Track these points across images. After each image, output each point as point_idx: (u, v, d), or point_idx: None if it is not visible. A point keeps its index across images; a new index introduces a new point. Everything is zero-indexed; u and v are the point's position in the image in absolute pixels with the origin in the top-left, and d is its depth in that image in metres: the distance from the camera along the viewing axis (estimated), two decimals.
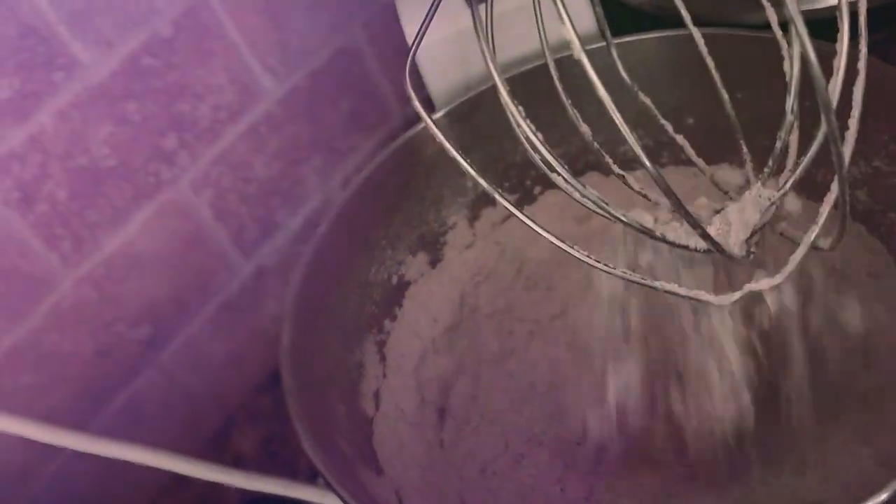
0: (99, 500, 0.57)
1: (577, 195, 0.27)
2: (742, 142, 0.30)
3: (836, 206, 0.24)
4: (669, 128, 0.33)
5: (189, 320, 0.59)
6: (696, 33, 0.30)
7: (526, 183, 0.46)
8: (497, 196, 0.27)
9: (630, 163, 0.42)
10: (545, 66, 0.32)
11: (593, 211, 0.27)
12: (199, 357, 0.60)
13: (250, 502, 0.57)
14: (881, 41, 0.50)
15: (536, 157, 0.29)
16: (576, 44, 0.22)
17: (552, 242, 0.26)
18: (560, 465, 0.39)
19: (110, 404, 0.56)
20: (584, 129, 0.31)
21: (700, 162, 0.32)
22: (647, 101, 0.33)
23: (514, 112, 0.26)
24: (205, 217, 0.58)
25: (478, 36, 0.29)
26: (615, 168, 0.31)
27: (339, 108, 0.64)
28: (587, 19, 0.48)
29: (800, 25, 0.19)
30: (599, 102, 0.36)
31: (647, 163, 0.22)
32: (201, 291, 0.59)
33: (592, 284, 0.46)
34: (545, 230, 0.26)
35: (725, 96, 0.30)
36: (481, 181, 0.28)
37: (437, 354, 0.42)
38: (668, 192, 0.23)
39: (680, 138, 0.33)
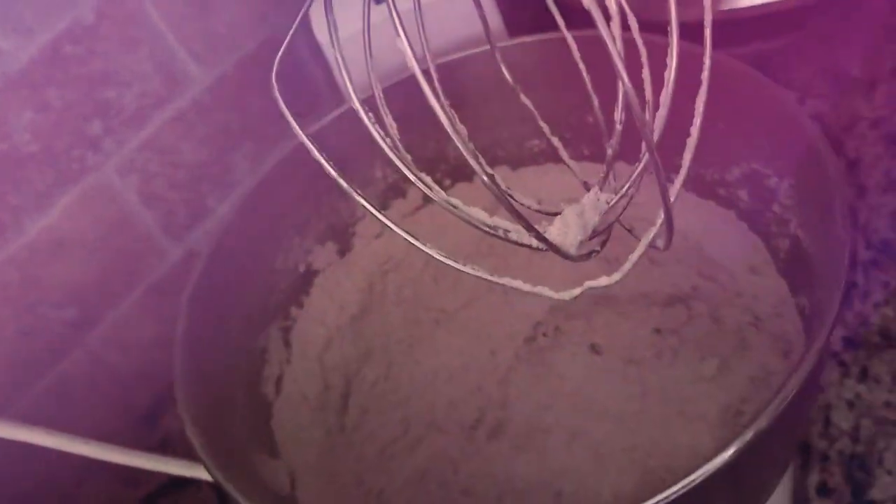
0: (19, 477, 0.58)
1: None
2: (608, 144, 0.31)
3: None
4: (546, 130, 0.35)
5: (116, 303, 0.60)
6: (568, 36, 0.32)
7: (436, 175, 0.47)
8: (368, 206, 0.28)
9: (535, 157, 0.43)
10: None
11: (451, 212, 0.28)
12: (127, 339, 0.61)
13: (177, 480, 0.58)
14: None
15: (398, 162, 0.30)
16: (409, 58, 0.23)
17: (409, 241, 0.27)
18: (455, 449, 0.41)
19: (37, 384, 0.57)
20: (461, 128, 0.32)
21: (572, 163, 0.34)
22: (528, 102, 0.35)
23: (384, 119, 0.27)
24: (131, 202, 0.58)
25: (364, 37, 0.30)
26: (484, 169, 0.32)
27: (270, 95, 0.65)
28: (496, 20, 0.49)
29: (612, 48, 0.20)
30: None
31: (481, 171, 0.24)
32: (129, 275, 0.60)
33: None
34: (407, 233, 0.27)
35: (594, 99, 0.31)
36: (353, 193, 0.29)
37: (343, 341, 0.44)
38: (501, 198, 0.24)
39: (555, 140, 0.35)
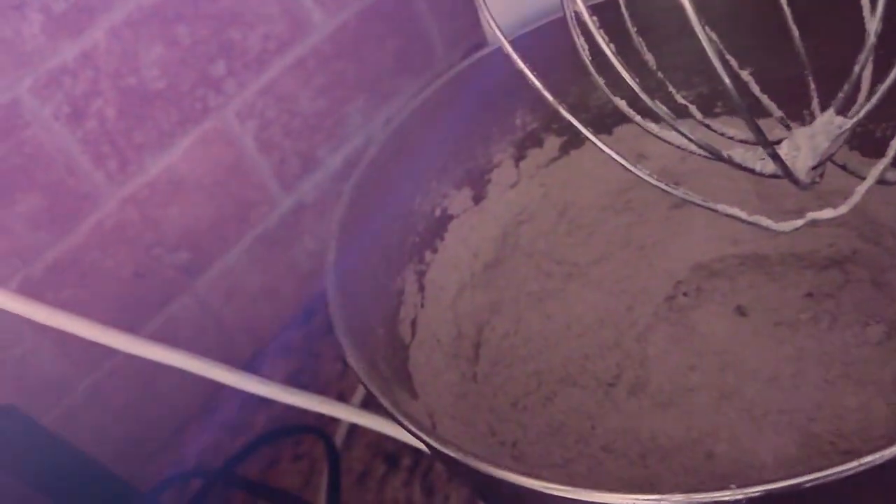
0: (131, 418, 0.58)
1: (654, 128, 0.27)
2: (809, 76, 0.29)
3: None
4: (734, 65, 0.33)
5: (226, 250, 0.60)
6: None
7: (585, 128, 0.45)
8: (572, 119, 0.26)
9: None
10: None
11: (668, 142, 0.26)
12: (234, 287, 0.61)
13: (276, 431, 0.58)
14: None
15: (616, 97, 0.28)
16: None
17: (623, 165, 0.26)
18: (592, 404, 0.39)
19: (145, 326, 0.57)
20: (649, 57, 0.30)
21: (766, 100, 0.32)
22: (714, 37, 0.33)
23: (603, 43, 0.25)
24: (248, 147, 0.58)
25: None
26: (679, 98, 0.30)
27: (386, 48, 0.64)
28: None
29: None
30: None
31: (727, 79, 0.22)
32: (241, 222, 0.60)
33: (633, 233, 0.45)
34: (615, 153, 0.25)
35: (796, 32, 0.29)
36: (553, 102, 0.27)
37: (475, 289, 0.42)
38: (740, 104, 0.22)
39: (745, 74, 0.33)
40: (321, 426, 0.57)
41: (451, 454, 0.27)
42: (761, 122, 0.34)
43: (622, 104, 0.28)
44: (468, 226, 0.43)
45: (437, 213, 0.43)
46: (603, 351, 0.41)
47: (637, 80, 0.25)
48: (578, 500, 0.24)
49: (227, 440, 0.60)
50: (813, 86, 0.29)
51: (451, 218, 0.43)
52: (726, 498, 0.22)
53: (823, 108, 0.27)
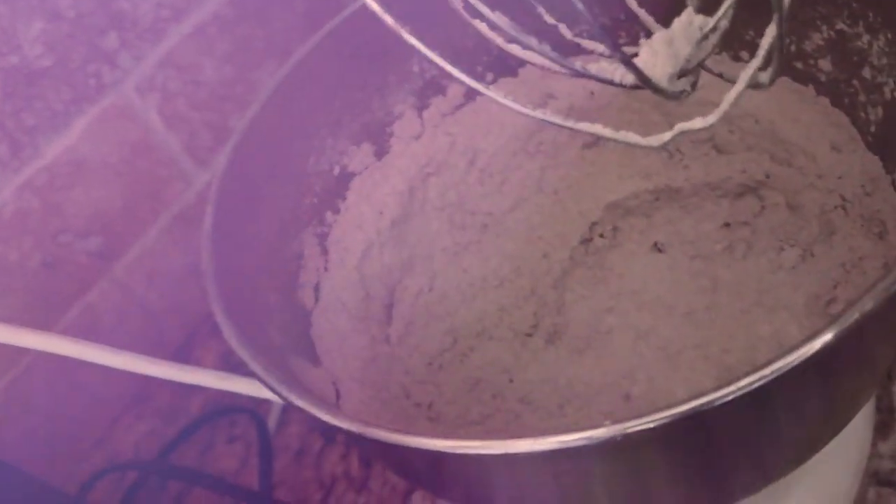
0: (59, 416, 0.56)
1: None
2: None
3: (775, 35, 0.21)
4: None
5: (142, 231, 0.57)
6: None
7: (477, 69, 0.43)
8: (454, 71, 0.24)
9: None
10: None
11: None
12: (156, 270, 0.59)
13: (208, 414, 0.56)
14: None
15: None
16: None
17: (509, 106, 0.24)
18: (509, 357, 0.38)
19: (62, 318, 0.55)
20: None
21: (644, 14, 0.30)
22: None
23: None
24: (153, 122, 0.55)
25: None
26: (549, 19, 0.28)
27: (294, 8, 0.61)
28: None
29: None
30: None
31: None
32: (154, 201, 0.57)
33: (546, 176, 0.44)
34: (506, 99, 0.24)
35: None
36: (431, 54, 0.25)
37: (384, 248, 0.40)
38: (585, 13, 0.20)
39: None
40: (254, 406, 0.55)
41: (329, 419, 0.25)
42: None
43: (482, 26, 0.26)
44: (371, 182, 0.41)
45: (336, 171, 0.40)
46: (519, 301, 0.40)
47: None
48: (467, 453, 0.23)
49: (162, 427, 0.58)
50: None
51: (351, 175, 0.41)
52: (601, 435, 0.21)
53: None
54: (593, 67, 0.23)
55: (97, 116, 0.52)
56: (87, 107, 0.52)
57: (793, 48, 0.37)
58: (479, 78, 0.44)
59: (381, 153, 0.42)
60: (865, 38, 0.33)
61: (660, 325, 0.36)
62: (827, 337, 0.21)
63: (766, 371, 0.21)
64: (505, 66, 0.44)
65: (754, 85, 0.23)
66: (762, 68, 0.22)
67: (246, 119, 0.36)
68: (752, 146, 0.39)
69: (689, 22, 0.23)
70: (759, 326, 0.33)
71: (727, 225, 0.39)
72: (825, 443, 0.27)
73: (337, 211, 0.40)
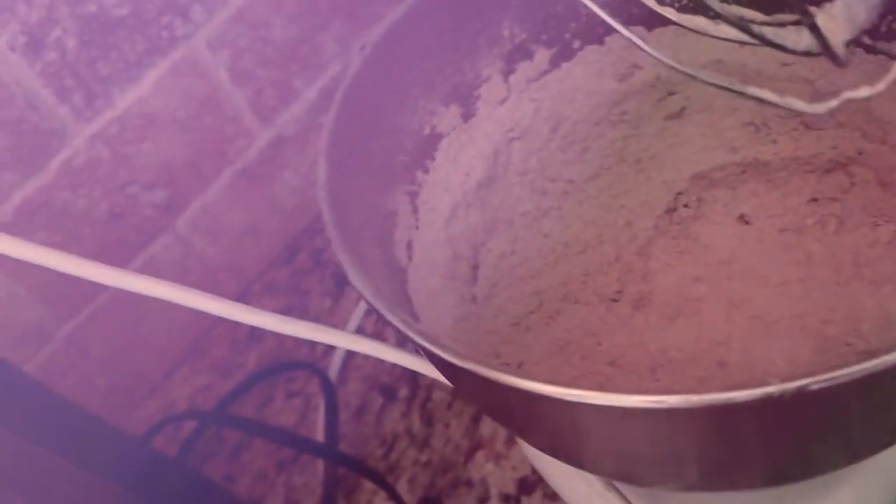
0: (116, 365, 0.56)
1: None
2: None
3: None
4: None
5: (205, 187, 0.57)
6: None
7: (565, 36, 0.44)
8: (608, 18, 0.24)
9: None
10: None
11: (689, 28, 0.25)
12: (215, 225, 0.59)
13: (268, 368, 0.57)
14: None
15: None
16: None
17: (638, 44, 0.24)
18: (596, 321, 0.38)
19: (127, 267, 0.55)
20: None
21: None
22: None
23: None
24: (222, 78, 0.55)
25: None
26: None
27: None
28: None
29: None
30: None
31: None
32: (218, 157, 0.57)
33: (629, 146, 0.44)
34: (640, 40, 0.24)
35: None
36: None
37: (469, 210, 0.41)
38: None
39: None
40: (313, 362, 0.56)
41: (473, 369, 0.25)
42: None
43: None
44: (458, 144, 0.41)
45: (426, 131, 0.41)
46: (604, 267, 0.40)
47: None
48: (608, 405, 0.23)
49: (218, 382, 0.58)
50: None
51: (440, 137, 0.41)
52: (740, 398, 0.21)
53: None
54: (769, 32, 0.23)
55: (168, 70, 0.52)
56: (159, 59, 0.52)
57: (888, 24, 0.37)
58: (567, 44, 0.45)
59: (468, 116, 0.42)
60: None
61: (753, 295, 0.36)
62: None
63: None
64: (592, 34, 0.44)
65: None
66: None
67: (348, 75, 0.37)
68: (843, 123, 0.39)
69: None
70: (861, 299, 0.33)
71: (815, 200, 0.39)
72: None
73: (426, 171, 0.40)
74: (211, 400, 0.57)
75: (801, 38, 0.22)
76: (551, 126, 0.43)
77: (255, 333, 0.58)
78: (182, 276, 0.58)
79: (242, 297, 0.62)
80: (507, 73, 0.43)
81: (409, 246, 0.38)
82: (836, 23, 0.23)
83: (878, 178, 0.38)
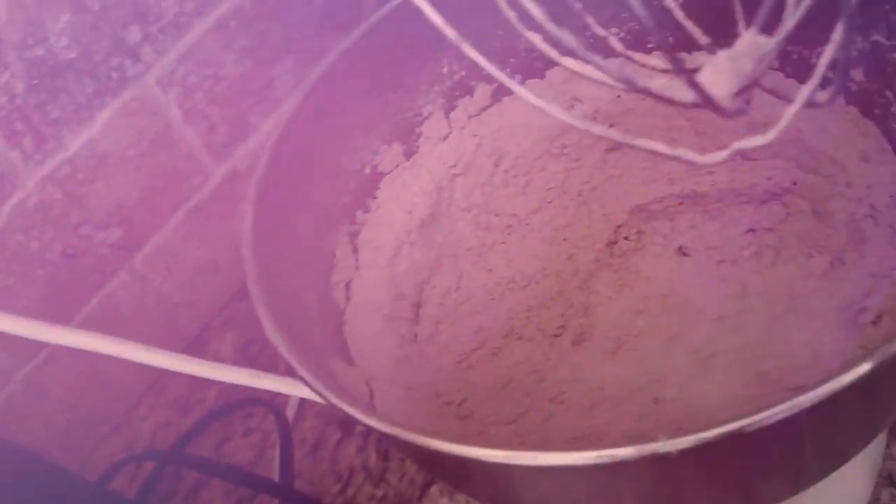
0: (76, 404, 0.56)
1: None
2: None
3: (837, 52, 0.22)
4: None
5: (161, 224, 0.57)
6: None
7: (505, 71, 0.44)
8: (494, 71, 0.25)
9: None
10: None
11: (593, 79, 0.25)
12: (173, 262, 0.59)
13: (225, 407, 0.56)
14: None
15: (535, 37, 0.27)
16: None
17: (545, 109, 0.24)
18: (539, 357, 0.38)
19: (82, 309, 0.55)
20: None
21: (691, 26, 0.30)
22: None
23: None
24: (173, 116, 0.55)
25: None
26: (599, 31, 0.29)
27: (312, 4, 0.61)
28: None
29: None
30: None
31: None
32: (172, 194, 0.57)
33: (570, 179, 0.44)
34: (541, 100, 0.24)
35: None
36: (477, 56, 0.26)
37: (413, 247, 0.41)
38: (654, 29, 0.21)
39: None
40: (271, 398, 0.56)
41: (381, 427, 0.26)
42: (692, 56, 0.33)
43: (535, 38, 0.26)
44: (400, 182, 0.41)
45: (367, 170, 0.41)
46: (546, 301, 0.40)
47: (545, 12, 0.23)
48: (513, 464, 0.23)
49: (178, 418, 0.58)
50: (739, 7, 0.28)
51: (381, 175, 0.41)
52: (659, 450, 0.21)
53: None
54: (654, 84, 0.23)
55: (119, 110, 0.52)
56: (109, 100, 0.52)
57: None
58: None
59: (410, 153, 0.43)
60: None
61: (690, 329, 0.36)
62: (867, 367, 0.21)
63: (820, 391, 0.21)
64: (532, 69, 0.44)
65: (811, 103, 0.23)
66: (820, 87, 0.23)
67: (282, 118, 0.37)
68: (778, 153, 0.39)
69: (753, 41, 0.23)
70: (793, 333, 0.33)
71: (752, 230, 0.39)
72: (858, 451, 0.28)
73: (368, 210, 0.41)
74: (172, 437, 0.57)
75: (687, 91, 0.22)
76: (493, 161, 0.44)
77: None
78: (140, 313, 0.58)
79: (203, 333, 0.62)
80: (448, 110, 0.44)
81: (348, 287, 0.38)
82: (722, 75, 0.23)
83: (813, 209, 0.38)
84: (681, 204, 0.41)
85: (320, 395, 0.28)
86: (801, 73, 0.38)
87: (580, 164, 0.44)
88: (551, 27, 0.22)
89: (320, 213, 0.38)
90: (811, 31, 0.24)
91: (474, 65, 0.44)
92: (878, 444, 0.38)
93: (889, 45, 0.34)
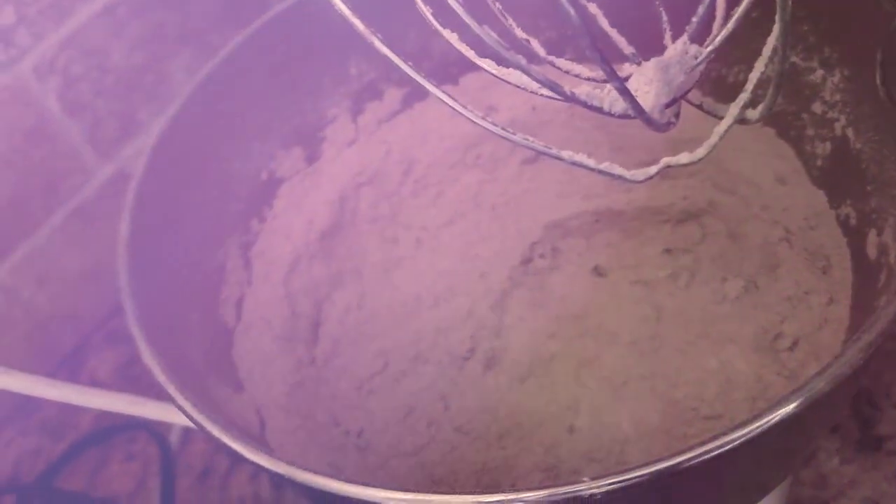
0: None
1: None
2: (661, 6, 0.26)
3: (769, 65, 0.20)
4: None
5: (34, 229, 0.52)
6: None
7: (420, 75, 0.41)
8: (412, 73, 0.22)
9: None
10: None
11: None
12: (47, 271, 0.53)
13: (102, 431, 0.51)
14: None
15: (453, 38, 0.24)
16: None
17: (463, 114, 0.22)
18: (445, 383, 0.36)
19: None
20: None
21: (615, 34, 0.28)
22: None
23: None
24: (52, 108, 0.50)
25: None
26: (520, 33, 0.26)
27: None
28: None
29: None
30: None
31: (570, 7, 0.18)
32: (49, 195, 0.52)
33: (484, 191, 0.42)
34: (459, 104, 0.22)
35: None
36: (389, 53, 0.23)
37: (312, 261, 0.38)
38: (585, 36, 0.18)
39: (593, 7, 0.29)
40: (154, 422, 0.51)
41: (271, 467, 0.23)
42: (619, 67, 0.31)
43: (452, 37, 0.24)
44: (300, 189, 0.38)
45: (264, 176, 0.38)
46: (456, 322, 0.38)
47: (468, 12, 0.21)
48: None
49: (48, 444, 0.53)
50: (665, 17, 0.26)
51: (280, 182, 0.38)
52: (581, 491, 0.19)
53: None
54: (580, 92, 0.21)
55: None
56: None
57: (740, 77, 0.37)
58: (420, 84, 0.42)
59: (312, 158, 0.39)
60: (819, 72, 0.33)
61: (603, 354, 0.34)
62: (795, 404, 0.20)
63: (735, 434, 0.20)
64: (446, 74, 0.42)
65: (742, 120, 0.22)
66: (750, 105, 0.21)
67: (166, 117, 0.33)
68: (695, 173, 0.38)
69: (684, 51, 0.21)
70: (706, 359, 0.32)
71: (668, 251, 0.38)
72: (778, 485, 0.27)
73: (263, 219, 0.37)
74: (39, 466, 0.51)
75: (616, 101, 0.20)
76: (403, 169, 0.41)
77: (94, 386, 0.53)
78: (7, 329, 0.52)
79: (82, 348, 0.57)
80: (355, 114, 0.41)
81: (239, 304, 0.35)
82: (652, 86, 0.21)
83: (729, 230, 0.37)
84: (597, 221, 0.40)
85: (200, 428, 0.25)
86: (718, 91, 0.37)
87: (495, 175, 0.42)
88: (471, 22, 0.20)
89: (209, 222, 0.34)
90: (727, 48, 0.23)
91: (385, 67, 0.42)
92: None
93: (806, 67, 0.33)
